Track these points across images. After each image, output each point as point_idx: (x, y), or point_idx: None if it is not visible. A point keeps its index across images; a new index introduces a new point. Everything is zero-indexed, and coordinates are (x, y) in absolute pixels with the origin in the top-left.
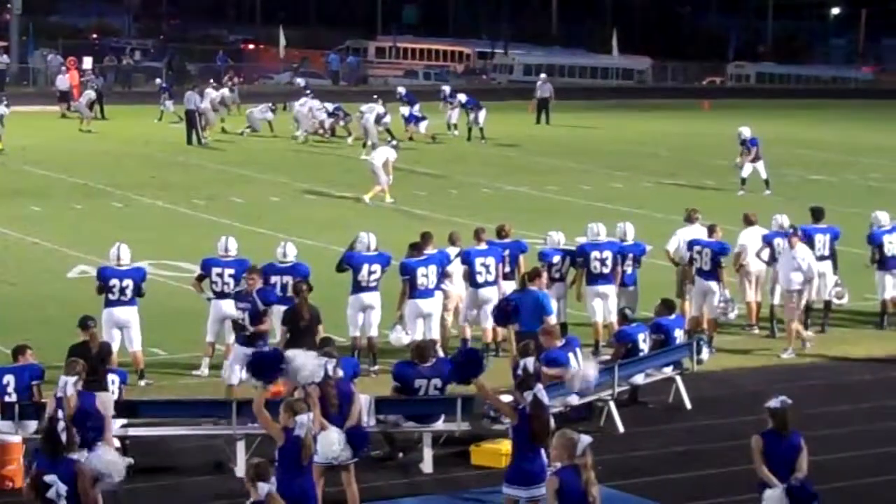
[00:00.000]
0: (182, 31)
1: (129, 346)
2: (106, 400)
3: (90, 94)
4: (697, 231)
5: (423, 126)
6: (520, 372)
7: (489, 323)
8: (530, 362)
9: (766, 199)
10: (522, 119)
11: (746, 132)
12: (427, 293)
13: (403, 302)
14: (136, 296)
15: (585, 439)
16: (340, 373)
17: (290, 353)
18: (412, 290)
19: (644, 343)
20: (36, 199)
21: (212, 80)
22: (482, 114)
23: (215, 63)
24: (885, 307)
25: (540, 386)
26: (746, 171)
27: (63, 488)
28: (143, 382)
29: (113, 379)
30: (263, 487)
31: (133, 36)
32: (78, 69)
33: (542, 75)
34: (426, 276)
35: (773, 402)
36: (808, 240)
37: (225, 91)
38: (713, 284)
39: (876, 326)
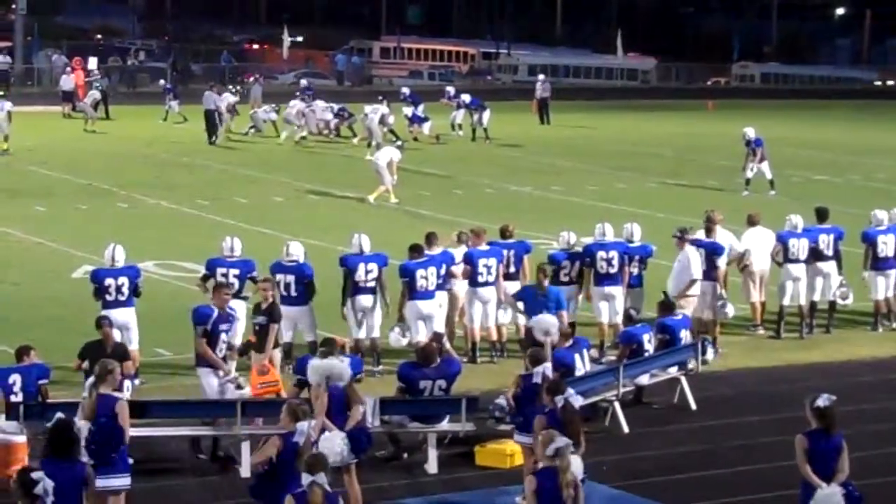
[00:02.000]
0: (186, 31)
1: (128, 346)
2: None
3: (95, 94)
4: (717, 232)
5: (426, 127)
6: (537, 380)
7: (491, 322)
8: (548, 368)
9: (771, 199)
10: (527, 119)
11: (751, 133)
12: (427, 295)
13: (403, 304)
14: (134, 296)
15: (560, 441)
16: None
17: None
18: (411, 291)
19: (649, 343)
20: (40, 199)
21: (230, 87)
22: (486, 114)
23: (220, 63)
24: (879, 308)
25: (571, 390)
26: (751, 171)
27: (50, 485)
28: (137, 381)
29: (127, 385)
30: (307, 477)
31: (138, 36)
32: (84, 69)
33: (541, 76)
34: (425, 277)
35: (821, 401)
36: (813, 240)
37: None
38: (708, 285)
39: (871, 328)
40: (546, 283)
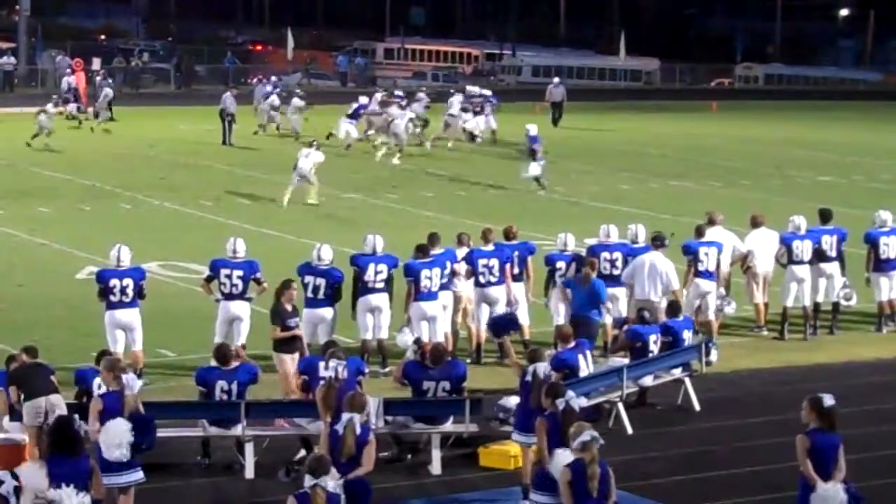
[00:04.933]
0: (190, 32)
1: (132, 346)
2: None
3: (108, 92)
4: (720, 233)
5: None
6: (528, 378)
7: None
8: (540, 367)
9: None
10: (530, 120)
11: (533, 130)
12: (431, 295)
13: (409, 304)
14: (138, 297)
15: (586, 435)
16: (345, 374)
17: None
18: (416, 292)
19: (654, 345)
20: (44, 201)
21: (297, 91)
22: (473, 121)
23: (224, 64)
24: (882, 309)
25: (571, 393)
26: (534, 170)
27: (12, 484)
28: (140, 382)
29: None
30: (309, 479)
31: (142, 37)
32: (85, 70)
33: (556, 79)
34: (430, 278)
35: (825, 401)
36: (816, 242)
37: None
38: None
39: (875, 329)
40: (593, 275)
